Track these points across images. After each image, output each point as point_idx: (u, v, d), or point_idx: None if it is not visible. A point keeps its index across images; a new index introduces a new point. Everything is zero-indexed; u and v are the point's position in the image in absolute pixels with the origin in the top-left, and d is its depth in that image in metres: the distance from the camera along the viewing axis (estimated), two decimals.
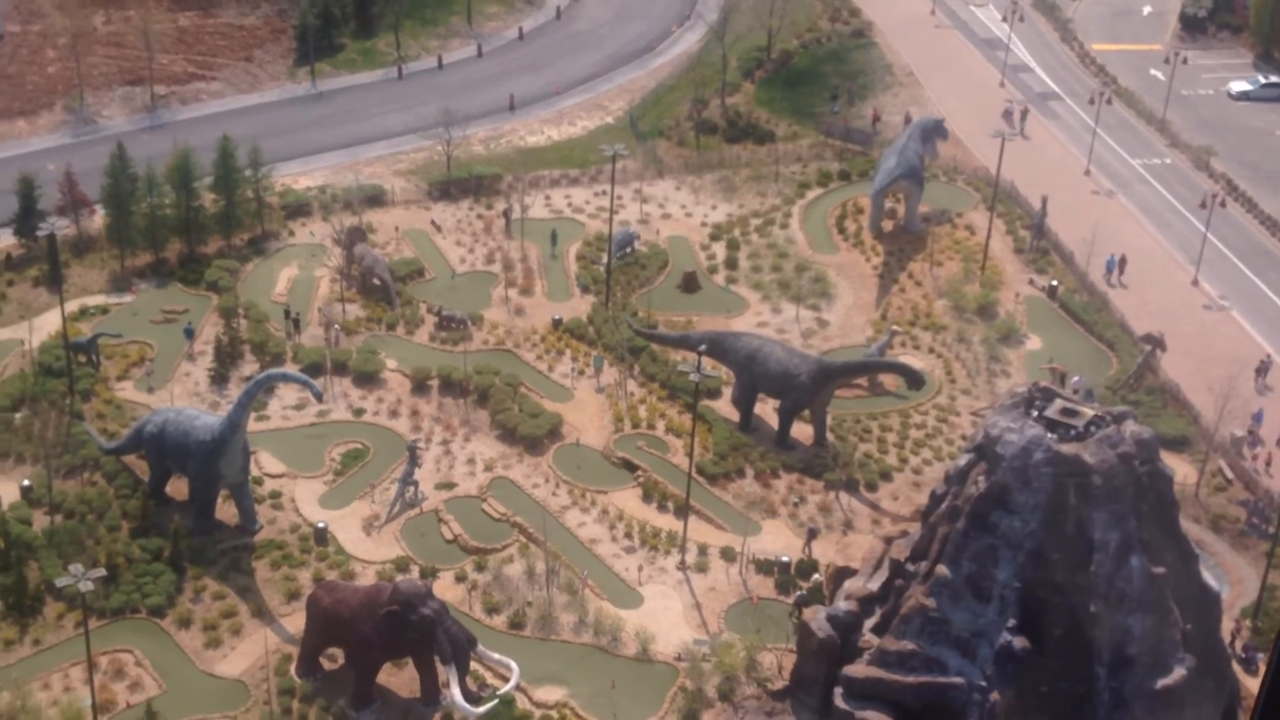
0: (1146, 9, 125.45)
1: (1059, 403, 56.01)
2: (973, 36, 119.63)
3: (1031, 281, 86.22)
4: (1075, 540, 52.95)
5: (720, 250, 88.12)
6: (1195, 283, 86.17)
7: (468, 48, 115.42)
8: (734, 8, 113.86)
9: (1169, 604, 53.42)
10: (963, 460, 56.75)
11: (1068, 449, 52.99)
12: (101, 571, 54.40)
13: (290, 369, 74.11)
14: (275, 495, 68.52)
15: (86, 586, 51.65)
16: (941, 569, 54.74)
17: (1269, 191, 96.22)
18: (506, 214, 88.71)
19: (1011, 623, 53.23)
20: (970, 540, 54.05)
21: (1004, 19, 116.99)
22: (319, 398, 65.53)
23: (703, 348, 72.53)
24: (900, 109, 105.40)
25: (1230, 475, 70.50)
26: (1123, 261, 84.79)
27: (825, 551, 65.61)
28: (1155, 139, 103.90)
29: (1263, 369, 77.21)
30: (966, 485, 55.46)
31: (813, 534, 66.15)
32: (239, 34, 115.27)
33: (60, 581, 52.91)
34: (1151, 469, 54.02)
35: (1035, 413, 55.08)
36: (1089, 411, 55.59)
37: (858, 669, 56.01)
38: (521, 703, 58.12)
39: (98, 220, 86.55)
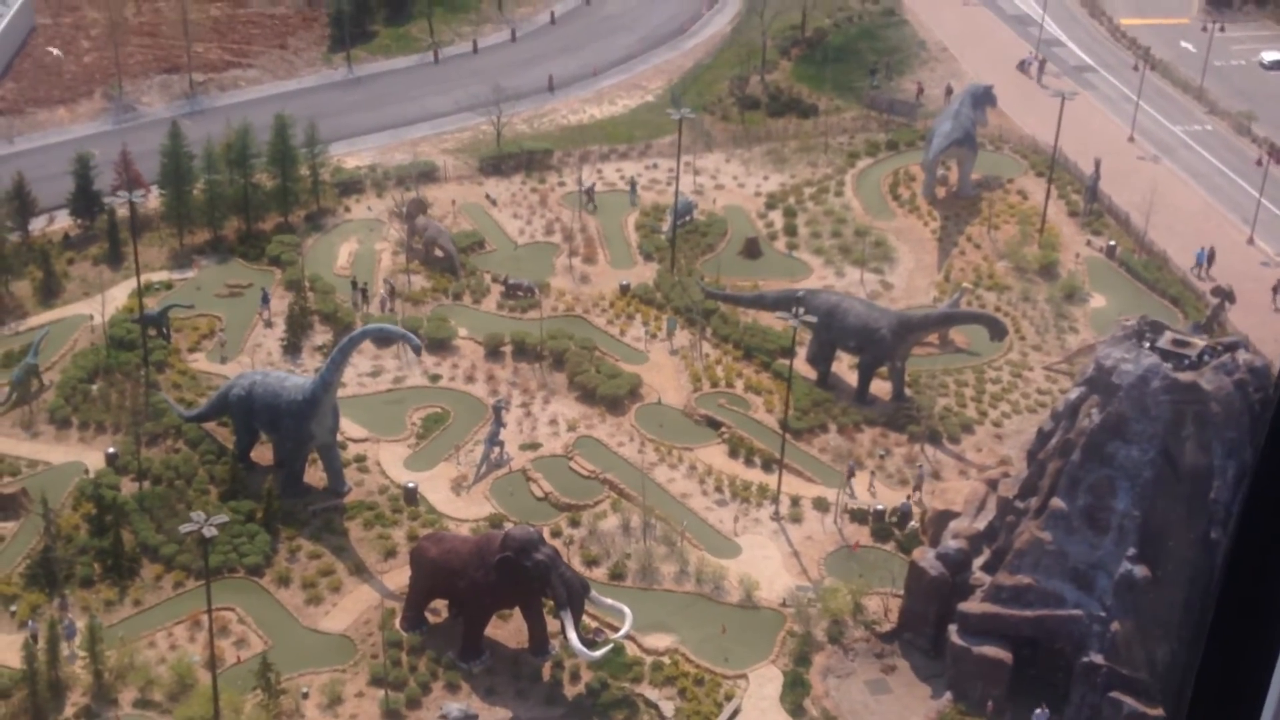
0: None
1: (1169, 334, 56.32)
2: (1001, 13, 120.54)
3: (1089, 242, 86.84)
4: (1194, 469, 53.22)
5: (777, 218, 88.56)
6: (1251, 241, 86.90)
7: (501, 33, 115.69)
8: None
9: None
10: (1072, 394, 57.04)
11: (1185, 377, 53.33)
12: (224, 518, 54.42)
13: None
14: (360, 459, 68.43)
15: (211, 532, 51.61)
16: (1056, 502, 54.98)
17: None
18: (590, 191, 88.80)
19: (1131, 552, 53.46)
20: (1086, 472, 54.30)
21: None
22: (418, 351, 65.78)
23: (798, 311, 71.64)
24: (939, 82, 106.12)
25: None
26: (1212, 254, 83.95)
27: (893, 497, 65.86)
28: (1194, 107, 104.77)
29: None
30: (1078, 419, 55.68)
31: (852, 472, 66.49)
32: (271, 22, 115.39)
33: (185, 528, 52.69)
34: (1265, 396, 54.35)
35: (1147, 344, 55.36)
36: (1199, 342, 55.93)
37: (973, 605, 56.22)
38: (631, 650, 58.15)
39: (153, 200, 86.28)
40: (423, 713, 56.16)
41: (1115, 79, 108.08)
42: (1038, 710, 54.27)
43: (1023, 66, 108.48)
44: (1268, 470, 2.74)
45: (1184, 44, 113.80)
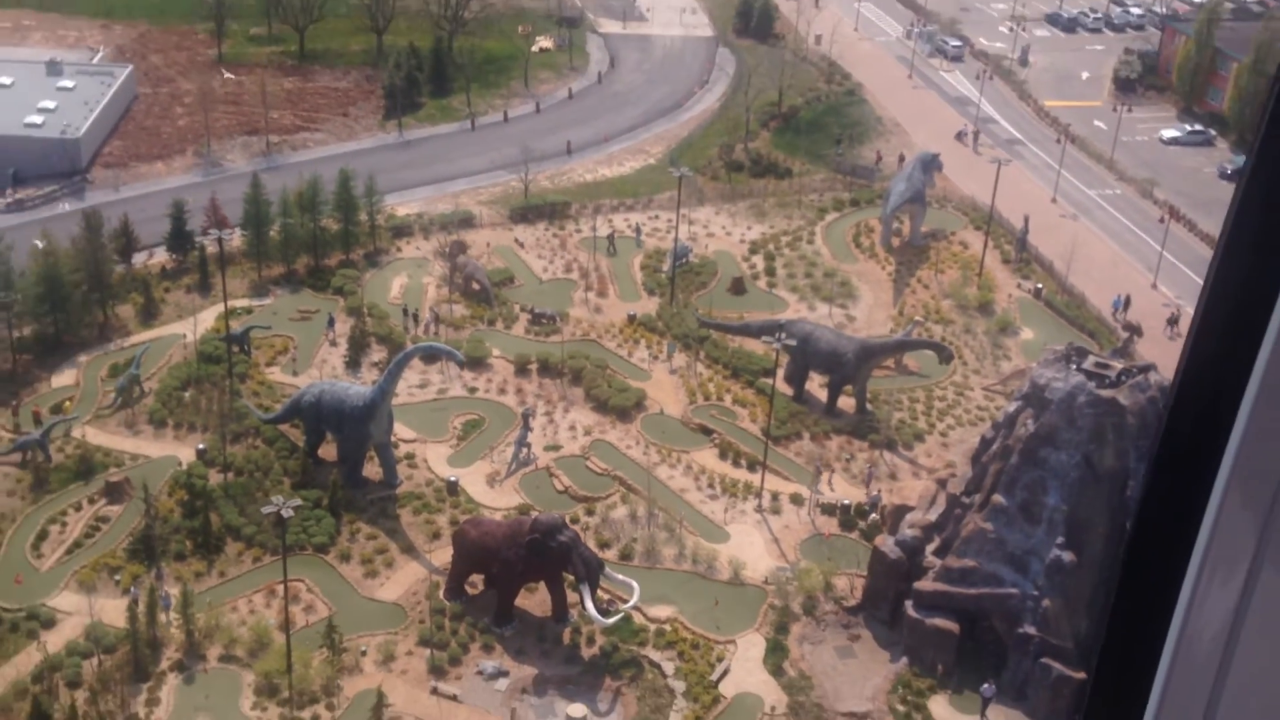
0: (1085, 74, 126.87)
1: (1091, 358, 56.34)
2: (945, 95, 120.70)
3: (1019, 285, 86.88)
4: (1112, 470, 53.15)
5: (759, 261, 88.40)
6: (1154, 286, 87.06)
7: (527, 105, 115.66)
8: (752, 71, 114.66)
9: None
10: (1011, 408, 56.96)
11: (1105, 394, 53.29)
12: (297, 502, 54.18)
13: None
14: (410, 457, 68.08)
15: (288, 513, 51.43)
16: (997, 498, 54.86)
17: (1203, 215, 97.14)
18: (610, 237, 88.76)
19: (1059, 540, 53.34)
20: (1022, 473, 54.22)
21: (977, 77, 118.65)
22: (461, 365, 65.41)
23: (780, 336, 71.07)
24: (893, 151, 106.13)
25: None
26: (1128, 300, 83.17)
27: (852, 493, 65.60)
28: (1106, 174, 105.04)
29: (1174, 319, 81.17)
30: (1015, 429, 55.62)
31: (818, 471, 65.97)
32: (335, 94, 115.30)
33: (266, 509, 52.50)
34: None
35: (1074, 366, 55.36)
36: (1118, 365, 55.93)
37: (926, 584, 56.02)
38: (637, 618, 57.86)
39: (236, 239, 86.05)
40: (462, 669, 55.85)
41: (1040, 151, 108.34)
42: (985, 685, 53.76)
43: (959, 137, 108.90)
44: (1161, 468, 2.74)
45: (1097, 123, 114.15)
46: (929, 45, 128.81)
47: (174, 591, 57.80)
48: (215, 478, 65.23)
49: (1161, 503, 2.78)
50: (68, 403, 70.78)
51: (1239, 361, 2.62)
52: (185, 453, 67.27)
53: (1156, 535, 2.77)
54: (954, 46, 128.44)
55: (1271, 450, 2.57)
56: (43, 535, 61.99)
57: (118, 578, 59.38)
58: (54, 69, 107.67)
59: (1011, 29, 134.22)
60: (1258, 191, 2.65)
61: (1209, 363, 2.72)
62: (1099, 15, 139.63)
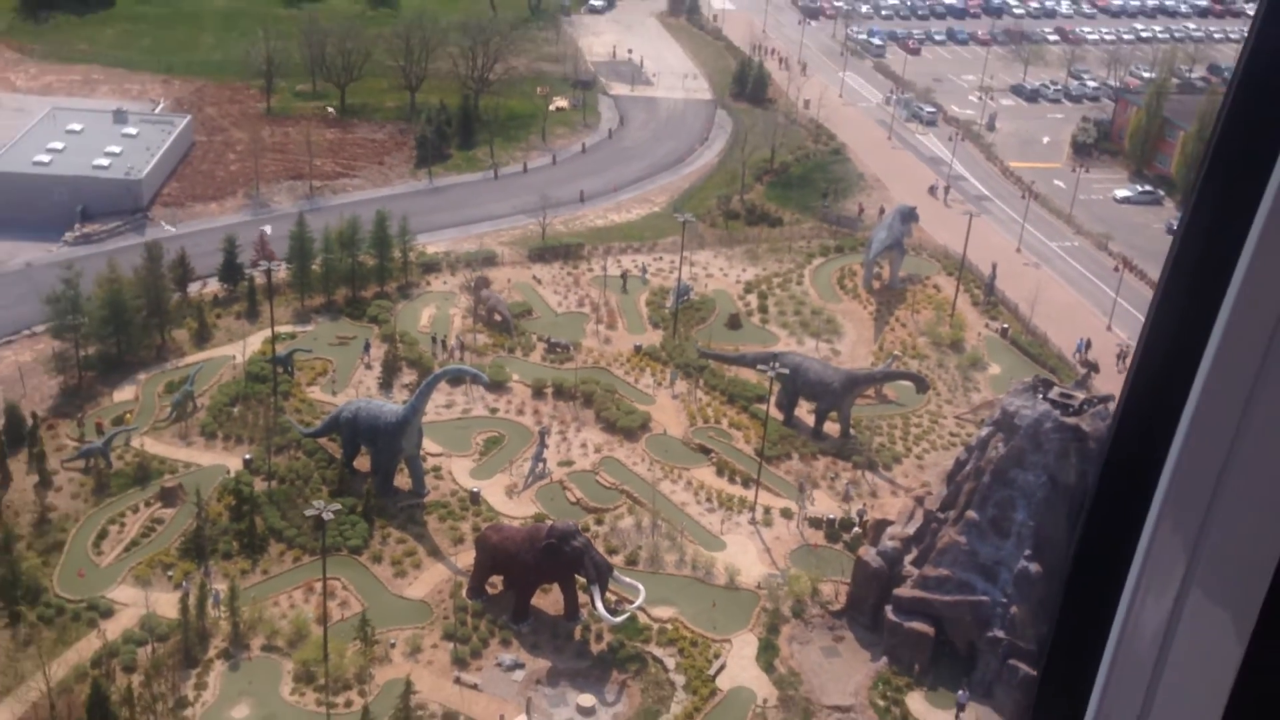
0: (1045, 138, 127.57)
1: (1056, 389, 56.41)
2: (920, 155, 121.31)
3: (988, 325, 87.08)
4: (1075, 489, 53.10)
5: (753, 300, 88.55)
6: (1109, 328, 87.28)
7: (544, 158, 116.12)
8: (747, 131, 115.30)
9: None
10: (983, 432, 56.98)
11: (1069, 420, 53.32)
12: (338, 505, 54.08)
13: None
14: (436, 469, 67.94)
15: (329, 515, 51.36)
16: (970, 514, 54.77)
17: (1153, 266, 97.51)
18: (623, 276, 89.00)
19: (1027, 552, 53.23)
20: (993, 491, 54.16)
21: (950, 139, 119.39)
22: (487, 386, 65.25)
23: (774, 365, 70.30)
24: (875, 204, 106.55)
25: None
26: (1089, 343, 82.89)
27: (833, 508, 65.41)
28: (1065, 228, 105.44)
29: (1122, 355, 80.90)
30: (987, 451, 55.61)
31: (802, 488, 65.70)
32: (372, 145, 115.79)
33: (309, 512, 52.43)
34: None
35: (1040, 395, 55.42)
36: (1080, 395, 55.99)
37: (904, 591, 55.83)
38: (642, 618, 57.59)
39: (282, 272, 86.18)
40: (482, 661, 55.57)
41: (1006, 206, 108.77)
42: (960, 691, 53.39)
43: (932, 191, 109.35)
44: (1103, 489, 2.84)
45: (1057, 182, 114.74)
46: (906, 111, 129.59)
47: (221, 587, 57.56)
48: (260, 485, 65.04)
49: (1103, 522, 2.84)
50: (128, 415, 70.67)
51: (1175, 393, 2.63)
52: (233, 462, 67.14)
53: (1098, 551, 2.83)
54: (928, 112, 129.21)
55: (1203, 472, 2.64)
56: (103, 534, 61.79)
57: (170, 574, 59.16)
58: (120, 117, 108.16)
59: (980, 98, 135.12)
60: (1192, 241, 2.67)
61: (1147, 394, 2.78)
62: (1059, 87, 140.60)
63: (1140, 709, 2.78)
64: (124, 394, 73.27)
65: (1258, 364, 2.57)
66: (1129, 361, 79.09)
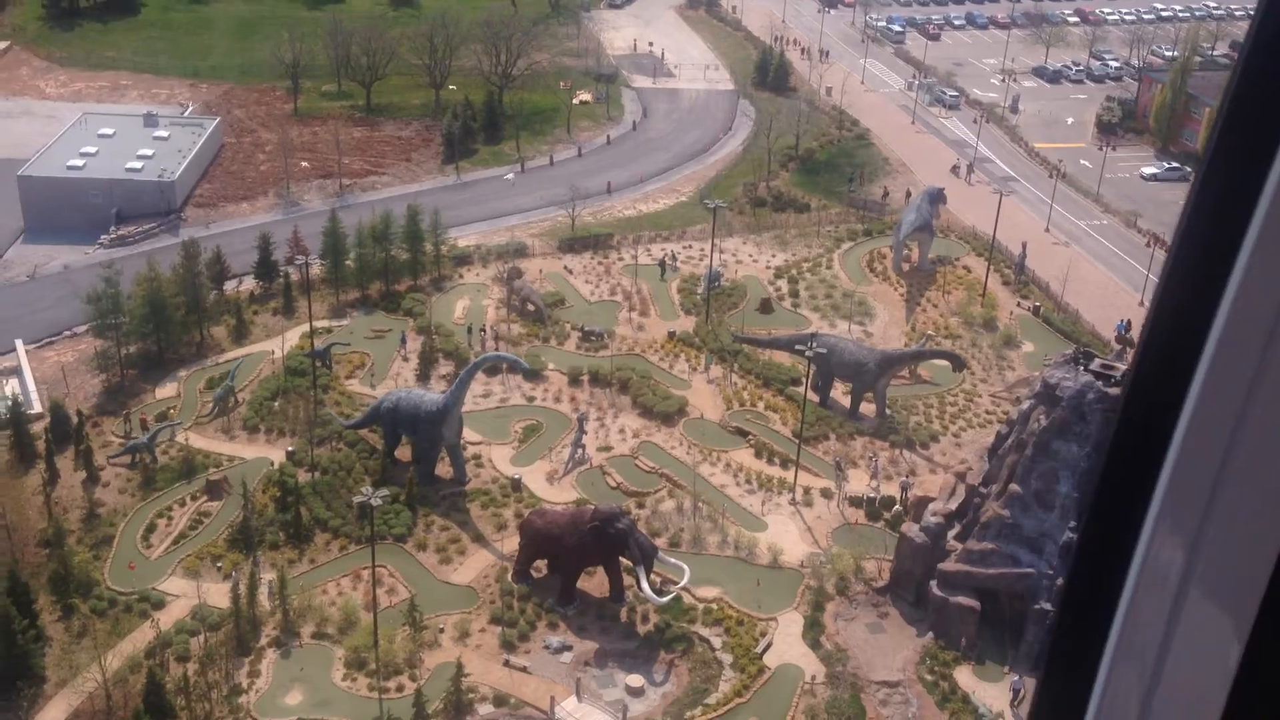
0: (1070, 119, 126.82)
1: (1097, 361, 56.09)
2: (944, 138, 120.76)
3: (1019, 304, 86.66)
4: None
5: (784, 285, 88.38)
6: (1141, 304, 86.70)
7: (570, 150, 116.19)
8: (771, 119, 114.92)
9: None
10: (1024, 405, 56.69)
11: (1112, 391, 52.99)
12: (386, 491, 54.27)
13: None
14: (476, 457, 68.08)
15: (377, 502, 51.53)
16: (1014, 487, 54.53)
17: None
18: (663, 264, 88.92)
19: (1072, 524, 52.97)
20: (1037, 464, 53.92)
21: (975, 121, 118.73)
22: (527, 373, 65.36)
23: (812, 345, 69.62)
24: (900, 188, 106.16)
25: None
26: (1129, 324, 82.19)
27: (892, 489, 65.22)
28: (1093, 207, 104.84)
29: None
30: (1029, 424, 55.35)
31: (840, 466, 65.41)
32: (399, 142, 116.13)
33: (357, 499, 52.64)
34: None
35: (1082, 368, 55.12)
36: (1121, 366, 55.64)
37: (949, 565, 55.64)
38: (687, 599, 57.60)
39: (316, 267, 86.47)
40: (530, 644, 55.67)
41: (1032, 186, 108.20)
42: (1013, 677, 52.81)
43: (954, 171, 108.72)
44: (1108, 474, 2.79)
45: (1083, 161, 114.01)
46: (929, 96, 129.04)
47: (270, 577, 57.85)
48: (304, 476, 65.33)
49: (1104, 518, 2.80)
50: (171, 410, 71.11)
51: (1175, 391, 2.59)
52: (276, 455, 67.46)
53: (1099, 550, 2.79)
54: (951, 96, 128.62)
55: (1202, 468, 2.60)
56: (151, 528, 62.24)
57: (219, 565, 59.49)
58: (150, 121, 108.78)
59: (1002, 80, 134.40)
60: (1188, 249, 2.65)
61: (1148, 391, 2.72)
62: (1081, 67, 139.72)
63: (1139, 712, 2.75)
64: (166, 390, 73.75)
65: (1258, 359, 2.54)
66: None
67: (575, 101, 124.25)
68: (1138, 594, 2.74)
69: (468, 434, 69.27)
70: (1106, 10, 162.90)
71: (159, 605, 56.83)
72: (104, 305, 73.19)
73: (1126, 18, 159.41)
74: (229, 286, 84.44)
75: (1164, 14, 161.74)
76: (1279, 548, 2.52)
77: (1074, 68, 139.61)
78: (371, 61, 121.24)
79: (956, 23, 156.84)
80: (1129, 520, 2.74)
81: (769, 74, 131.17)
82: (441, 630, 55.72)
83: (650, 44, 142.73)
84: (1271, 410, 2.53)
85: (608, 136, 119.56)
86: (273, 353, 76.72)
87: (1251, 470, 2.56)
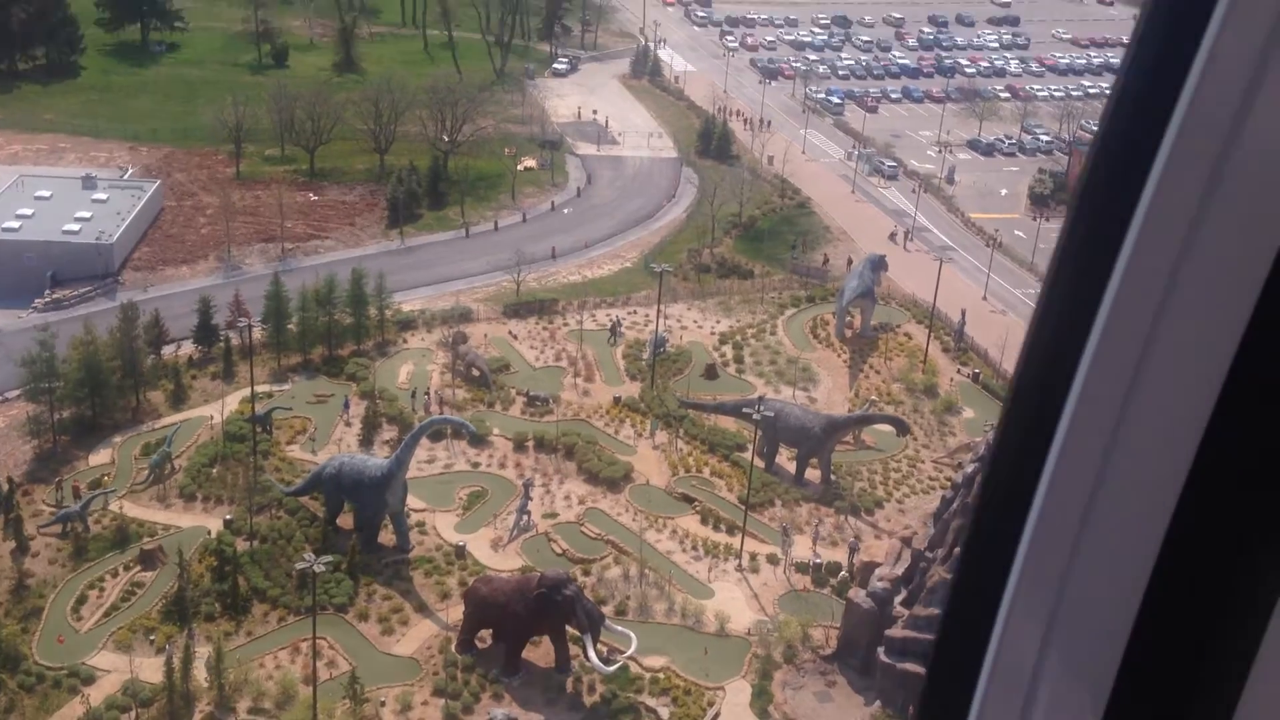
0: (1004, 190, 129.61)
1: None
2: (883, 208, 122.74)
3: (959, 370, 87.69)
4: None
5: (729, 350, 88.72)
6: None
7: (514, 216, 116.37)
8: (714, 187, 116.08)
9: None
10: (968, 470, 57.01)
11: None
12: (330, 558, 53.13)
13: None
14: (420, 524, 67.01)
15: (319, 568, 50.38)
16: (959, 551, 54.61)
17: None
18: (613, 329, 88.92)
19: None
20: None
21: (912, 191, 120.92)
22: (473, 436, 64.69)
23: (759, 410, 70.18)
24: (841, 255, 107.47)
25: None
26: None
27: (838, 554, 65.10)
28: (1028, 276, 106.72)
29: None
30: (973, 489, 55.61)
31: (786, 532, 65.55)
32: (343, 206, 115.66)
33: (299, 566, 51.45)
34: None
35: None
36: None
37: (896, 632, 55.45)
38: (633, 668, 56.79)
39: (258, 332, 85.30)
40: (474, 717, 54.50)
41: (969, 255, 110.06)
42: None
43: (892, 238, 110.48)
44: (986, 500, 2.82)
45: (1017, 232, 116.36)
46: (867, 166, 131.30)
47: (206, 650, 56.12)
48: (242, 545, 63.86)
49: (980, 551, 2.76)
50: (106, 478, 69.32)
51: (1044, 430, 2.53)
52: (213, 523, 65.93)
53: (975, 583, 2.75)
54: (889, 167, 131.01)
55: (1071, 502, 2.56)
56: (82, 600, 60.33)
57: (152, 638, 57.73)
58: (89, 183, 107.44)
59: (938, 152, 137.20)
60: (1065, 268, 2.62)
61: (1017, 433, 2.69)
62: (1014, 141, 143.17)
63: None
64: (100, 457, 71.94)
65: (1120, 404, 2.46)
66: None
67: (520, 168, 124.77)
68: (1009, 624, 2.61)
69: (411, 500, 68.21)
70: (1036, 87, 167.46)
71: (89, 680, 54.87)
72: (38, 369, 71.57)
73: (1055, 94, 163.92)
74: (167, 351, 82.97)
75: (1090, 90, 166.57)
76: (1128, 632, 2.43)
77: (1007, 141, 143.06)
78: (316, 126, 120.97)
79: (893, 96, 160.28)
80: (1005, 549, 2.60)
81: (712, 142, 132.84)
82: (383, 704, 54.37)
83: (594, 111, 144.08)
84: (1136, 456, 2.41)
85: (553, 203, 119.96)
86: (211, 418, 75.28)
87: (1121, 500, 2.44)
